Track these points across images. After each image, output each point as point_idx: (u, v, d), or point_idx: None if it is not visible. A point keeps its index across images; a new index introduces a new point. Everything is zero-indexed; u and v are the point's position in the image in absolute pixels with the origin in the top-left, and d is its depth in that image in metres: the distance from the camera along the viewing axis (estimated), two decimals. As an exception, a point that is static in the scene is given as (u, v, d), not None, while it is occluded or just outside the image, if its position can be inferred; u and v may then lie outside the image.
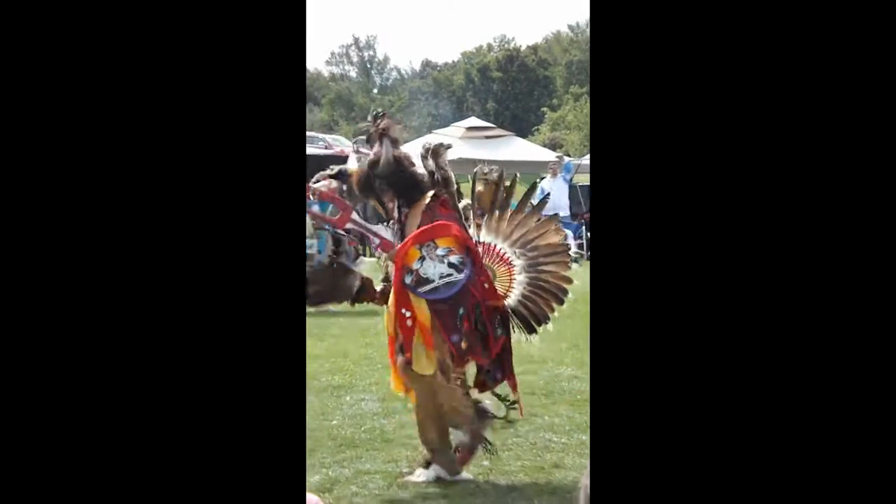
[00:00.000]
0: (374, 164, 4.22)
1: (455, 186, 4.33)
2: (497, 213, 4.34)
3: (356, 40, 66.71)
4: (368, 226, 4.36)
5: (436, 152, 4.32)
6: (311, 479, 4.19)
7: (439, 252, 4.10)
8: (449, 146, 4.48)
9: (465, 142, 18.22)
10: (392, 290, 4.19)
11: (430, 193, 4.20)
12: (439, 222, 4.14)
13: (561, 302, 4.39)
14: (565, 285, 4.39)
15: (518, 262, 4.35)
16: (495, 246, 4.34)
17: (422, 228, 4.12)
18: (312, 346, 4.57)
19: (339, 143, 26.00)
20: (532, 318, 4.37)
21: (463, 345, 4.13)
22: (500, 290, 4.32)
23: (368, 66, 65.44)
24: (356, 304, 4.59)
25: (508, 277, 4.37)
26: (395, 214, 4.25)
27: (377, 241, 4.30)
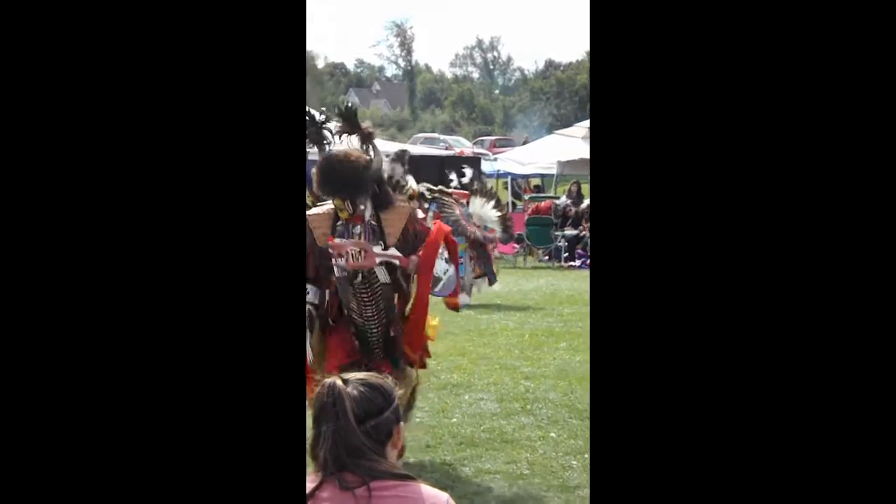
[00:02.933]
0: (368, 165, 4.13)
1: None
2: None
3: (480, 42, 67.13)
4: (388, 252, 4.23)
5: (403, 158, 4.66)
6: (433, 475, 4.25)
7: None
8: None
9: (586, 141, 18.02)
10: (420, 303, 4.37)
11: (406, 203, 4.39)
12: (437, 231, 4.44)
13: None
14: None
15: None
16: None
17: (432, 240, 4.32)
18: (431, 345, 4.64)
19: (460, 144, 26.12)
20: None
21: None
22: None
23: (491, 67, 65.57)
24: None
25: None
26: (365, 217, 4.16)
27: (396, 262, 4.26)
